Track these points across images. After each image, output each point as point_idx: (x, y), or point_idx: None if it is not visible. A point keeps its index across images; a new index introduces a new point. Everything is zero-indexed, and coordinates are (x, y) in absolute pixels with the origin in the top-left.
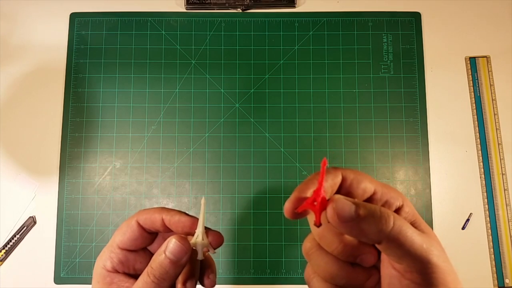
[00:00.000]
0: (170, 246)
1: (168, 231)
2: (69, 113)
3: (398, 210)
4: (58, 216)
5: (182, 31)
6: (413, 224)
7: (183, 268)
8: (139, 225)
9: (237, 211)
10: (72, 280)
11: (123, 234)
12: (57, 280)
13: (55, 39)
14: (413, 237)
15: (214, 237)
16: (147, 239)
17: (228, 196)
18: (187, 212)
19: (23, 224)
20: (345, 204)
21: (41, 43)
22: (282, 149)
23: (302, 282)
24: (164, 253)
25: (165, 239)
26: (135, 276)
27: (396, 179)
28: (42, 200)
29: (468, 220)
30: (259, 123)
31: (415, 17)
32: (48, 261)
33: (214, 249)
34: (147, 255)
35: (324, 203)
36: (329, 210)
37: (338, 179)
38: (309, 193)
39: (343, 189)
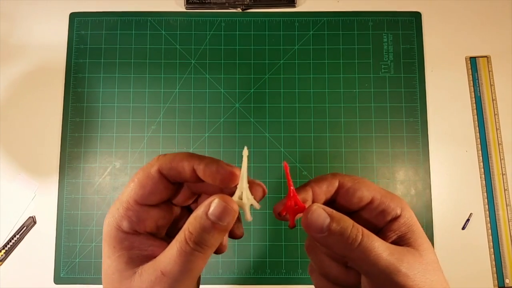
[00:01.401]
0: (214, 207)
1: (199, 181)
2: (68, 113)
3: (393, 220)
4: (58, 216)
5: (182, 31)
6: (403, 236)
7: (227, 232)
8: (161, 175)
9: None
10: (72, 280)
11: (142, 187)
12: (57, 280)
13: (54, 39)
14: (378, 257)
15: (257, 190)
16: (171, 191)
17: None
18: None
19: (23, 224)
20: (319, 216)
21: (41, 43)
22: (282, 149)
23: (302, 282)
24: (206, 215)
25: (191, 190)
26: (157, 235)
27: (396, 179)
28: (42, 200)
29: (468, 220)
30: (259, 123)
31: (415, 17)
32: (48, 261)
33: (258, 202)
34: (171, 209)
35: (299, 209)
36: (303, 218)
37: (334, 186)
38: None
39: (340, 196)
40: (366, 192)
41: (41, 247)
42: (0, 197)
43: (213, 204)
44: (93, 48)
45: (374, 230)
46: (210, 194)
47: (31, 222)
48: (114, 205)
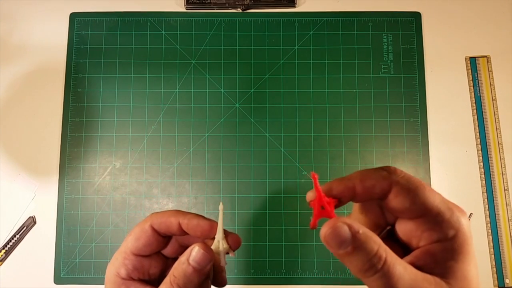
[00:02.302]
0: (193, 254)
1: (184, 234)
2: (69, 113)
3: (441, 241)
4: (58, 216)
5: (182, 31)
6: (443, 264)
7: (207, 276)
8: (153, 229)
9: (237, 211)
10: (72, 280)
11: (137, 240)
12: (57, 280)
13: (55, 39)
14: (401, 278)
15: (233, 240)
16: (162, 243)
17: (228, 196)
18: (202, 215)
19: (23, 224)
20: (340, 234)
21: (41, 43)
22: (282, 149)
23: (302, 282)
24: (188, 261)
25: (179, 243)
26: (149, 282)
27: None
28: (42, 200)
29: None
30: (259, 123)
31: (415, 17)
32: (48, 261)
33: (233, 251)
34: (161, 259)
35: (325, 214)
36: (322, 229)
37: (382, 189)
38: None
39: (388, 199)
40: (419, 205)
41: (41, 247)
42: (0, 197)
43: (193, 251)
44: (93, 48)
45: (417, 244)
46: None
47: (31, 222)
48: (114, 255)
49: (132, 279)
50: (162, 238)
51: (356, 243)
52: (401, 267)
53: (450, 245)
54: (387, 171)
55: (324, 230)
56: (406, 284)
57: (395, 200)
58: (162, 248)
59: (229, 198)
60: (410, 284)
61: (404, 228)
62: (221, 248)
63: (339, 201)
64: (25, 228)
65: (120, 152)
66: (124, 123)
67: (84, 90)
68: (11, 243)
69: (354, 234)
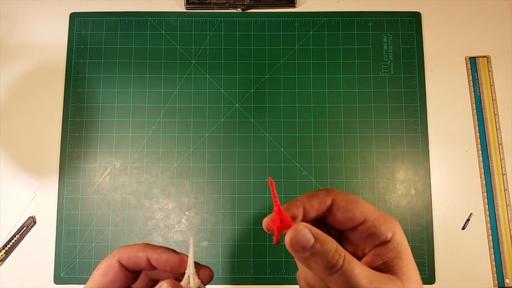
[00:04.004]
0: None
1: (153, 269)
2: (69, 113)
3: (382, 244)
4: (58, 216)
5: (182, 31)
6: (389, 263)
7: None
8: (121, 265)
9: (237, 211)
10: (72, 280)
11: (104, 276)
12: (57, 280)
13: (55, 39)
14: (356, 284)
15: (205, 274)
16: (130, 279)
17: (228, 196)
18: (170, 248)
19: (23, 224)
20: (303, 236)
21: (41, 43)
22: (282, 149)
23: None
24: None
25: (149, 277)
26: None
27: (396, 179)
28: (42, 200)
29: (468, 220)
30: (259, 123)
31: (415, 17)
32: (48, 261)
33: (205, 285)
34: None
35: (285, 225)
36: (287, 236)
37: (326, 204)
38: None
39: (331, 214)
40: (358, 213)
41: (41, 247)
42: (0, 197)
43: None
44: (93, 48)
45: (362, 253)
46: (165, 280)
47: (31, 222)
48: (85, 286)
49: None
50: (131, 273)
51: (318, 243)
52: (359, 265)
53: (391, 245)
54: (326, 190)
55: (289, 236)
56: (366, 280)
57: (338, 212)
58: (131, 283)
59: (229, 198)
60: (369, 280)
61: (349, 240)
62: (191, 284)
63: (293, 220)
64: (25, 228)
65: (120, 152)
66: (124, 123)
67: (84, 90)
68: (11, 243)
69: (315, 235)
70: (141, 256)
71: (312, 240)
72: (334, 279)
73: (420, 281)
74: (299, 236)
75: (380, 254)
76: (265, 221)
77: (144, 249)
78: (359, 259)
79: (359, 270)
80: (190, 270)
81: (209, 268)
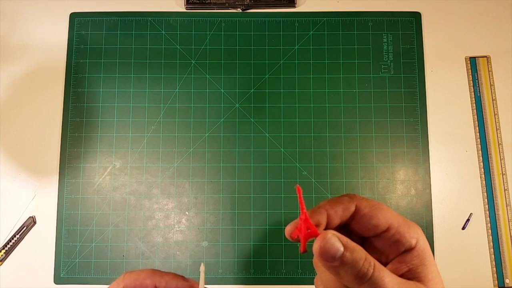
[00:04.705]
0: None
1: None
2: (69, 113)
3: (407, 251)
4: (58, 216)
5: (182, 31)
6: (415, 270)
7: None
8: None
9: (237, 211)
10: (72, 280)
11: None
12: (57, 280)
13: (55, 39)
14: (390, 283)
15: None
16: None
17: (228, 196)
18: (183, 275)
19: (23, 224)
20: (333, 245)
21: (41, 43)
22: (282, 149)
23: (302, 282)
24: None
25: None
26: None
27: (396, 179)
28: (42, 200)
29: (468, 220)
30: (259, 123)
31: (415, 17)
32: (48, 261)
33: None
34: None
35: (312, 233)
36: (315, 244)
37: (350, 211)
38: (314, 221)
39: (355, 221)
40: (382, 220)
41: (41, 247)
42: (0, 197)
43: None
44: (93, 48)
45: (386, 260)
46: None
47: (31, 222)
48: None
49: None
50: None
51: (348, 251)
52: (388, 274)
53: (416, 252)
54: (349, 196)
55: (318, 245)
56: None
57: (362, 219)
58: None
59: (229, 198)
60: None
61: (373, 248)
62: None
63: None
64: (25, 228)
65: (120, 152)
66: (124, 123)
67: (84, 90)
68: (11, 243)
69: (345, 244)
70: (149, 284)
71: (342, 249)
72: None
73: (443, 286)
74: (328, 245)
75: (405, 261)
76: (289, 229)
77: (151, 276)
78: (384, 266)
79: (389, 279)
80: None
81: None
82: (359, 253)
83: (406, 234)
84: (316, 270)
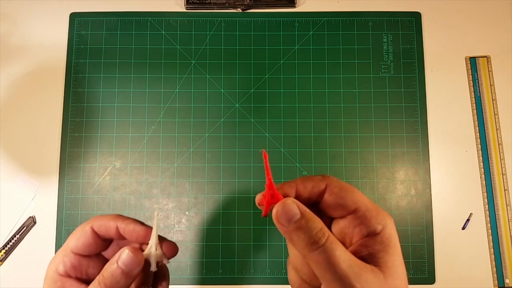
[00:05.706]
0: (122, 256)
1: (122, 238)
2: (69, 113)
3: (370, 235)
4: (58, 216)
5: (182, 31)
6: (375, 255)
7: (134, 279)
8: (93, 231)
9: (237, 211)
10: None
11: (77, 239)
12: None
13: (55, 39)
14: (335, 265)
15: (168, 248)
16: (101, 245)
17: (228, 196)
18: (143, 221)
19: (23, 224)
20: (290, 210)
21: (41, 43)
22: (282, 149)
23: None
24: (117, 263)
25: (120, 246)
26: (87, 281)
27: (396, 179)
28: (42, 200)
29: (468, 220)
30: (259, 123)
31: (415, 17)
32: (48, 261)
33: (168, 259)
34: (101, 261)
35: (275, 200)
36: (274, 208)
37: (319, 188)
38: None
39: (324, 200)
40: (350, 202)
41: (41, 247)
42: (0, 197)
43: (123, 253)
44: (93, 48)
45: (349, 243)
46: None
47: (31, 222)
48: (58, 251)
49: (69, 276)
50: (102, 240)
51: (304, 219)
52: (341, 248)
53: (379, 238)
54: (322, 176)
55: (276, 208)
56: (346, 263)
57: (330, 198)
58: (102, 250)
59: (229, 198)
60: (350, 264)
61: (338, 228)
62: (152, 253)
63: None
64: (25, 228)
65: (120, 152)
66: (124, 123)
67: (84, 90)
68: (11, 243)
69: (303, 212)
70: (111, 225)
71: (299, 215)
72: (314, 256)
73: (406, 279)
74: (286, 209)
75: (367, 245)
76: (258, 197)
77: (115, 218)
78: (346, 248)
79: (341, 252)
80: (152, 240)
81: (173, 243)
82: (315, 223)
83: (373, 219)
84: (288, 250)
